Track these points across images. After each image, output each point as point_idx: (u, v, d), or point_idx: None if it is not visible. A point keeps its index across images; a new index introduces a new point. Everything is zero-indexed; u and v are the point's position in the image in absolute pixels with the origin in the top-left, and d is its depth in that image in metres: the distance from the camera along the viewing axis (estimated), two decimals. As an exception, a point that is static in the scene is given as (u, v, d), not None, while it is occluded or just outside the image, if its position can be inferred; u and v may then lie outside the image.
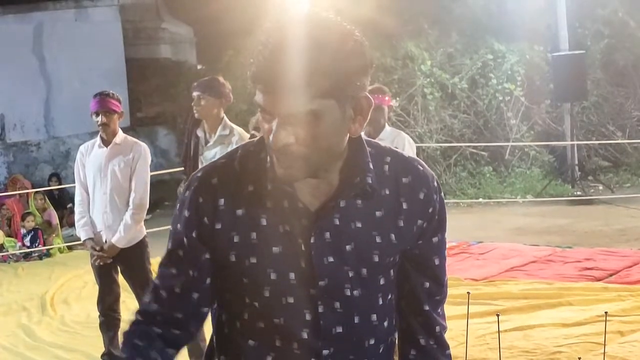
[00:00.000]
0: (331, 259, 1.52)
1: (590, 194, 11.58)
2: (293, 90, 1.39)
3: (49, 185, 11.80)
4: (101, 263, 4.92)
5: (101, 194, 4.93)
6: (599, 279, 6.74)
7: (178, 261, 1.59)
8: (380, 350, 1.63)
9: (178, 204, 1.61)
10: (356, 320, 1.56)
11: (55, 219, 10.42)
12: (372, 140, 1.63)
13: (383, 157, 1.59)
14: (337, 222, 1.52)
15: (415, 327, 1.67)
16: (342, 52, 1.42)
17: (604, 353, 4.42)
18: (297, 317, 1.53)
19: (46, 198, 10.77)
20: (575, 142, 12.33)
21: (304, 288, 1.52)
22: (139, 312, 1.63)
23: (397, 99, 11.91)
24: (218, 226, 1.54)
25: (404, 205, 1.58)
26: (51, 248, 9.99)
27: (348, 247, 1.53)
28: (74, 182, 5.28)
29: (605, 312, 4.30)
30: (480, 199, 11.86)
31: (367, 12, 11.25)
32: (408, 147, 4.80)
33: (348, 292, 1.54)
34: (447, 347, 1.70)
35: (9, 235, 10.37)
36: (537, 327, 5.54)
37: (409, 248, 1.60)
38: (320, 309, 1.53)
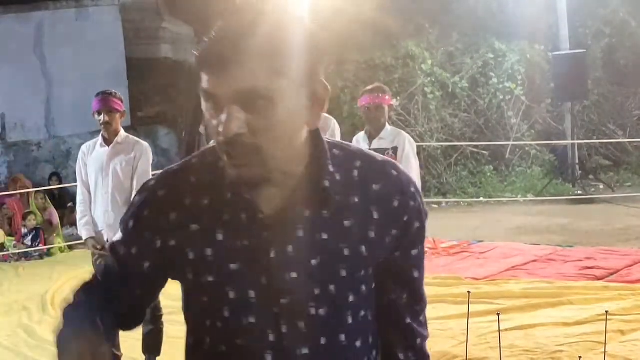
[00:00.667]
0: (294, 275, 1.38)
1: (591, 193, 11.58)
2: (244, 66, 1.27)
3: (50, 185, 11.81)
4: (102, 262, 4.92)
5: (103, 193, 4.93)
6: (599, 278, 6.74)
7: (121, 272, 1.50)
8: None
9: (129, 209, 1.50)
10: (322, 341, 1.41)
11: (55, 219, 10.43)
12: (342, 142, 1.50)
13: (352, 162, 1.45)
14: (300, 234, 1.38)
15: (394, 342, 1.54)
16: (295, 33, 1.32)
17: (605, 352, 4.42)
18: (259, 338, 1.40)
19: (47, 197, 10.78)
20: (576, 142, 12.33)
21: (266, 307, 1.39)
22: (81, 288, 1.59)
23: (398, 98, 11.91)
24: (172, 243, 1.42)
25: (375, 215, 1.43)
26: (52, 247, 9.99)
27: (313, 262, 1.39)
28: (74, 181, 5.28)
29: (606, 311, 4.30)
30: (481, 198, 11.86)
31: (367, 12, 11.26)
32: (409, 147, 4.79)
33: (313, 311, 1.40)
34: (427, 357, 1.60)
35: (10, 235, 10.37)
36: (538, 326, 5.53)
37: (383, 260, 1.46)
38: (284, 330, 1.39)
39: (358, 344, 1.46)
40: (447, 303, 6.14)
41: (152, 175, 5.19)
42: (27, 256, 9.85)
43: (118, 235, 1.52)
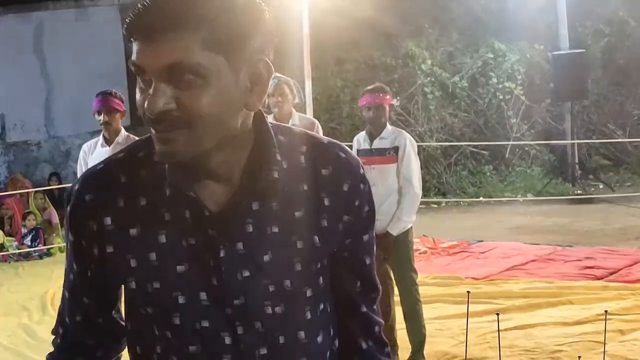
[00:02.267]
0: (246, 274, 1.30)
1: (590, 192, 11.58)
2: (175, 36, 1.17)
3: (49, 185, 11.81)
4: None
5: (103, 192, 4.95)
6: (599, 278, 6.75)
7: (71, 286, 1.40)
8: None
9: (65, 219, 1.39)
10: (281, 340, 1.35)
11: (55, 219, 10.43)
12: (285, 125, 1.41)
13: (298, 147, 1.36)
14: (250, 229, 1.30)
15: (354, 331, 1.48)
16: (235, 6, 1.21)
17: (604, 352, 4.42)
18: (215, 342, 1.32)
19: (46, 197, 10.78)
20: (576, 141, 12.34)
21: (218, 309, 1.31)
22: (54, 334, 1.50)
23: (398, 98, 11.92)
24: (109, 249, 1.31)
25: (326, 202, 1.35)
26: (51, 247, 9.99)
27: (265, 258, 1.31)
28: (74, 181, 5.29)
29: (606, 311, 4.30)
30: (481, 198, 11.86)
31: (367, 12, 11.26)
32: (410, 146, 4.79)
33: (269, 310, 1.33)
34: (386, 344, 1.53)
35: (9, 235, 10.37)
36: (538, 326, 5.54)
37: (337, 250, 1.40)
38: (240, 331, 1.32)
39: (319, 339, 1.40)
40: (447, 303, 6.14)
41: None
42: (26, 256, 9.85)
43: (66, 252, 1.43)
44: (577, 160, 12.28)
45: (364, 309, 1.48)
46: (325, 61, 12.59)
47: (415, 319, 4.77)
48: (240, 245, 1.30)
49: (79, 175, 5.05)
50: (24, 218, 10.21)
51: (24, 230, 10.10)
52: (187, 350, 1.32)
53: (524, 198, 11.62)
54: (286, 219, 1.32)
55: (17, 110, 12.69)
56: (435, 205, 11.55)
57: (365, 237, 1.43)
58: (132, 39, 1.21)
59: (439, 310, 5.94)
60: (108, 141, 4.95)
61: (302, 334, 1.37)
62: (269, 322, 1.33)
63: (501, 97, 12.72)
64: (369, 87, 5.02)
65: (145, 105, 1.21)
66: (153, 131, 1.25)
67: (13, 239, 10.23)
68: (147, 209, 1.30)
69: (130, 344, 1.42)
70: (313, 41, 9.92)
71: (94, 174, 1.35)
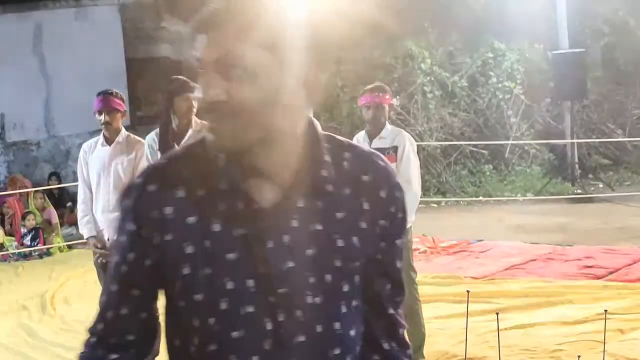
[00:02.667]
0: (291, 265, 1.39)
1: (590, 192, 11.58)
2: (224, 34, 1.30)
3: (49, 185, 11.81)
4: (104, 261, 4.93)
5: (104, 192, 4.94)
6: (599, 277, 6.75)
7: (122, 278, 1.46)
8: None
9: (119, 213, 1.47)
10: (319, 329, 1.43)
11: (55, 218, 10.43)
12: (329, 134, 1.50)
13: (341, 153, 1.46)
14: (295, 224, 1.40)
15: (378, 332, 1.56)
16: (288, 10, 1.33)
17: (604, 351, 4.42)
18: (257, 328, 1.40)
19: (46, 197, 10.78)
20: (576, 141, 12.34)
21: (263, 296, 1.39)
22: (90, 333, 1.54)
23: (397, 97, 11.91)
24: (168, 237, 1.40)
25: (365, 206, 1.46)
26: (51, 247, 9.99)
27: (308, 252, 1.41)
28: (73, 181, 5.29)
29: (605, 310, 4.31)
30: (481, 198, 11.86)
31: (367, 11, 11.25)
32: (409, 146, 4.79)
33: (310, 300, 1.41)
34: (408, 346, 1.62)
35: (10, 234, 10.38)
36: (537, 325, 5.54)
37: (372, 252, 1.48)
38: (281, 318, 1.40)
39: (352, 332, 1.48)
40: (447, 302, 6.15)
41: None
42: (26, 256, 9.85)
43: (114, 245, 1.49)
44: (576, 160, 12.28)
45: (391, 311, 1.56)
46: (325, 61, 12.57)
47: (415, 318, 4.77)
48: (286, 238, 1.39)
49: (79, 175, 5.09)
50: (23, 218, 10.21)
51: (23, 230, 10.10)
52: (230, 335, 1.40)
53: (524, 197, 11.62)
54: (329, 218, 1.42)
55: (16, 110, 12.67)
56: (435, 205, 11.55)
57: (398, 242, 1.53)
58: (194, 36, 1.34)
59: (439, 309, 5.94)
60: (108, 140, 4.95)
61: (337, 325, 1.45)
62: (308, 311, 1.41)
63: (501, 96, 12.72)
64: (369, 87, 5.02)
65: (203, 94, 1.34)
66: (205, 122, 1.38)
67: (13, 238, 10.23)
68: (203, 200, 1.40)
69: (169, 338, 1.49)
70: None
71: (157, 168, 1.48)
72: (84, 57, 12.54)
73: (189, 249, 1.39)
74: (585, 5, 12.84)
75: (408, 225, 4.74)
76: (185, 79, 4.82)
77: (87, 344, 1.54)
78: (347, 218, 1.43)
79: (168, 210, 1.40)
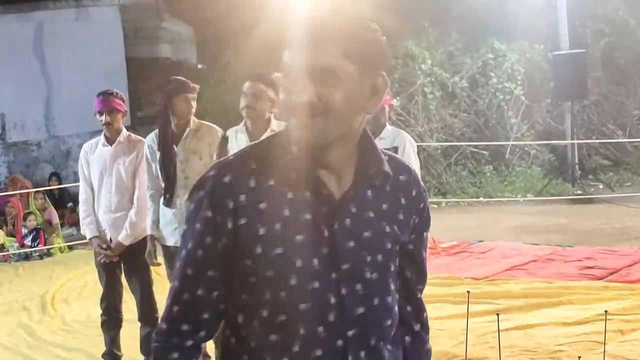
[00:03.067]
0: (352, 244, 1.61)
1: (590, 192, 11.58)
2: (323, 46, 1.53)
3: (49, 185, 11.80)
4: (107, 261, 4.93)
5: (105, 192, 4.94)
6: (599, 278, 6.75)
7: (197, 262, 1.63)
8: (392, 333, 1.72)
9: (192, 204, 1.64)
10: (375, 302, 1.65)
11: (55, 219, 10.43)
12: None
13: (382, 155, 1.70)
14: (354, 210, 1.63)
15: (409, 315, 1.80)
16: (368, 29, 1.60)
17: (604, 352, 4.42)
18: (322, 301, 1.60)
19: (46, 197, 10.77)
20: (576, 141, 12.34)
21: (327, 273, 1.60)
22: (163, 320, 1.67)
23: (398, 98, 11.91)
24: (242, 222, 1.59)
25: (402, 201, 1.70)
26: (52, 248, 10.00)
27: (365, 234, 1.63)
28: (74, 181, 5.29)
29: (606, 311, 4.31)
30: (481, 198, 11.86)
31: (367, 11, 11.25)
32: (409, 147, 4.79)
33: (368, 275, 1.63)
34: (428, 330, 1.87)
35: (11, 235, 10.37)
36: (538, 326, 5.53)
37: (406, 242, 1.72)
38: (344, 292, 1.61)
39: (396, 308, 1.72)
40: (447, 303, 6.14)
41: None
42: (27, 256, 9.85)
43: (186, 234, 1.65)
44: (577, 161, 12.28)
45: (419, 296, 1.82)
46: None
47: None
48: (348, 222, 1.62)
49: (80, 175, 5.08)
50: (24, 218, 10.21)
51: (24, 231, 10.10)
52: (298, 307, 1.59)
53: (524, 198, 11.62)
54: (378, 207, 1.67)
55: (17, 110, 12.68)
56: (435, 206, 11.55)
57: (425, 235, 1.79)
58: (286, 46, 1.58)
59: (439, 310, 5.94)
60: (109, 141, 4.95)
61: (389, 299, 1.69)
62: (367, 286, 1.64)
63: (501, 97, 12.71)
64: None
65: (293, 97, 1.56)
66: (293, 120, 1.58)
67: (14, 239, 10.23)
68: (274, 188, 1.60)
69: (231, 316, 1.66)
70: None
71: (229, 162, 1.66)
72: (85, 57, 12.54)
73: (262, 231, 1.59)
74: (586, 5, 12.84)
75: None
76: (183, 79, 4.80)
77: (160, 333, 1.67)
78: (390, 209, 1.68)
79: (242, 197, 1.60)
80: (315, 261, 1.59)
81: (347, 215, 1.62)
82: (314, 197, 1.60)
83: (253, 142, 1.74)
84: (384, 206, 1.67)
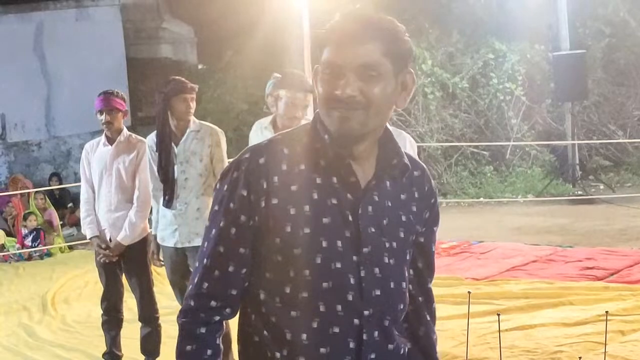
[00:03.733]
0: (373, 230, 1.73)
1: (591, 193, 11.57)
2: (367, 43, 1.66)
3: (50, 185, 11.80)
4: (107, 261, 4.92)
5: (106, 192, 4.93)
6: (600, 279, 6.74)
7: (229, 239, 1.73)
8: (403, 317, 1.83)
9: (225, 184, 1.74)
10: (392, 285, 1.76)
11: (55, 219, 10.42)
12: None
13: (400, 149, 1.83)
14: (376, 198, 1.75)
15: (421, 305, 1.91)
16: (397, 26, 1.72)
17: (605, 352, 4.42)
18: (343, 280, 1.70)
19: (47, 198, 10.76)
20: (576, 142, 12.33)
21: (349, 254, 1.71)
22: (191, 298, 1.76)
23: (398, 98, 11.89)
24: (274, 201, 1.70)
25: (416, 194, 1.83)
26: (52, 248, 9.99)
27: (385, 221, 1.75)
28: (74, 181, 5.29)
29: (606, 312, 4.30)
30: (481, 199, 11.86)
31: (367, 11, 11.24)
32: (409, 147, 4.77)
33: (386, 260, 1.75)
34: (435, 319, 1.97)
35: (11, 235, 10.37)
36: (538, 327, 5.53)
37: (417, 234, 1.84)
38: (363, 274, 1.72)
39: (407, 294, 1.83)
40: (447, 303, 6.13)
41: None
42: (27, 257, 9.84)
43: (217, 214, 1.74)
44: (577, 161, 12.27)
45: (429, 286, 1.93)
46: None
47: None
48: (370, 209, 1.74)
49: (81, 175, 5.08)
50: (25, 218, 10.21)
51: (24, 231, 10.09)
52: (321, 285, 1.70)
53: (525, 199, 11.62)
54: (395, 197, 1.79)
55: (17, 110, 12.68)
56: (436, 206, 11.54)
57: (435, 229, 1.91)
58: (329, 44, 1.70)
59: (439, 310, 5.85)
60: (110, 140, 4.94)
61: (404, 284, 1.81)
62: (384, 269, 1.75)
63: (502, 97, 12.71)
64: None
65: (338, 91, 1.67)
66: (335, 113, 1.69)
67: (14, 239, 10.22)
68: (304, 173, 1.72)
69: (253, 293, 1.75)
70: (313, 41, 9.92)
71: (263, 147, 1.76)
72: (85, 57, 12.55)
73: (292, 211, 1.70)
74: (586, 6, 12.84)
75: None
76: (182, 79, 4.77)
77: (187, 310, 1.76)
78: (406, 200, 1.81)
79: (275, 179, 1.71)
80: (339, 243, 1.70)
81: (369, 203, 1.73)
82: (341, 183, 1.72)
83: (281, 133, 1.83)
84: (402, 196, 1.79)
